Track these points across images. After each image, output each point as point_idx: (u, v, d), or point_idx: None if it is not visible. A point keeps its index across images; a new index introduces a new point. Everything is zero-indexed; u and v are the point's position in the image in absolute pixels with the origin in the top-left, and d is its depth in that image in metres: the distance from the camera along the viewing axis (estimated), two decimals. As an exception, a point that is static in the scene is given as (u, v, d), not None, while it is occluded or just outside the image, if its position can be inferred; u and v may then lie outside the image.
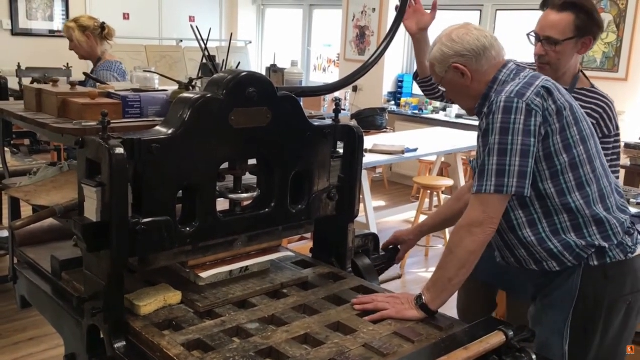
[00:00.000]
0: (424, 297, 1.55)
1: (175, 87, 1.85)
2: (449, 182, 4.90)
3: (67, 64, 5.49)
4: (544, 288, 1.69)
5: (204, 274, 1.60)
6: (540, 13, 2.08)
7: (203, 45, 1.96)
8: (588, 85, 2.10)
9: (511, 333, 1.38)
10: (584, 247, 1.60)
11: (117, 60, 3.68)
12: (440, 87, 1.96)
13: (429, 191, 4.90)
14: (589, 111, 2.01)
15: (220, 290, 1.62)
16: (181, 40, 7.93)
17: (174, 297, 1.55)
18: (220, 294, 1.59)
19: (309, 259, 1.91)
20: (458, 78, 1.66)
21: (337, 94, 6.17)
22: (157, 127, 1.46)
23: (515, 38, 6.23)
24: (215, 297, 1.57)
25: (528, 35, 2.05)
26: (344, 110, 6.19)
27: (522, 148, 1.51)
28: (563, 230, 1.61)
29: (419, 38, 2.25)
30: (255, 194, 1.66)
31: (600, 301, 1.63)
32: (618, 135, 2.07)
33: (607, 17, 5.02)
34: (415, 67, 2.32)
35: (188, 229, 1.49)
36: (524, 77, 1.61)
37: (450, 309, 1.78)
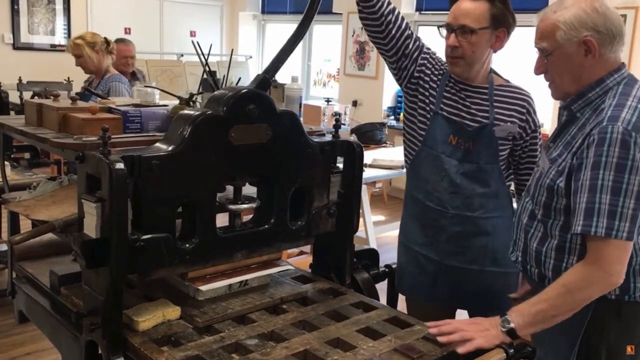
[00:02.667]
0: (512, 323, 1.43)
1: (176, 102, 1.86)
2: (448, 197, 4.88)
3: (68, 77, 5.51)
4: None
5: (204, 288, 1.60)
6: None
7: (204, 61, 1.97)
8: (504, 82, 2.05)
9: (511, 351, 1.38)
10: (616, 290, 1.50)
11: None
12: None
13: (428, 206, 4.88)
14: (517, 107, 1.99)
15: (219, 305, 1.61)
16: (182, 55, 7.97)
17: (173, 312, 1.54)
18: (219, 309, 1.59)
19: (309, 274, 1.90)
20: (579, 55, 1.46)
21: (336, 109, 6.19)
22: (157, 144, 1.46)
23: (510, 54, 6.26)
24: (215, 312, 1.57)
25: (439, 27, 1.96)
26: (344, 124, 6.20)
27: (638, 189, 1.38)
28: None
29: None
30: (255, 204, 1.66)
31: (606, 336, 1.55)
32: (540, 128, 2.06)
33: (605, 34, 5.06)
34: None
35: (187, 245, 1.49)
36: (636, 97, 1.46)
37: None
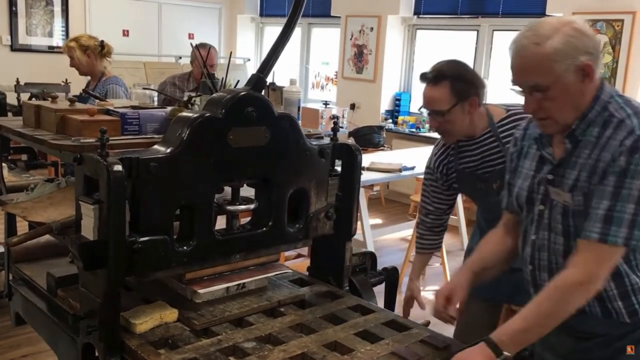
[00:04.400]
0: (504, 353, 1.35)
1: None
2: (446, 200, 4.88)
3: (66, 79, 5.51)
4: (618, 344, 1.47)
5: (202, 291, 1.59)
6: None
7: (202, 63, 1.97)
8: (503, 113, 2.11)
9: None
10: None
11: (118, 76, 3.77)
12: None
13: (426, 209, 4.88)
14: None
15: (217, 307, 1.61)
16: (180, 57, 7.97)
17: (170, 314, 1.54)
18: (217, 312, 1.58)
19: (306, 277, 1.90)
20: (578, 82, 1.37)
21: (334, 112, 6.20)
22: (156, 146, 1.46)
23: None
24: (212, 315, 1.56)
25: (419, 109, 2.13)
26: (342, 127, 6.21)
27: None
28: None
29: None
30: (253, 205, 1.66)
31: None
32: None
33: (602, 39, 5.07)
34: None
35: (185, 247, 1.49)
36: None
37: (444, 328, 1.77)
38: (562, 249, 1.48)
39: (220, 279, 1.65)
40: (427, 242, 2.34)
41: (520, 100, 1.50)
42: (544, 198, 1.50)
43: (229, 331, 1.52)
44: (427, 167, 2.29)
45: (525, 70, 1.39)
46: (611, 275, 1.40)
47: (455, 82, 2.00)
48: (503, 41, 6.22)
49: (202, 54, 4.30)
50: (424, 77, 2.05)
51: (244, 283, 1.69)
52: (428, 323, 1.68)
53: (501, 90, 6.32)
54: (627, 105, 1.40)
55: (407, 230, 5.20)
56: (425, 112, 2.11)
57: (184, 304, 1.60)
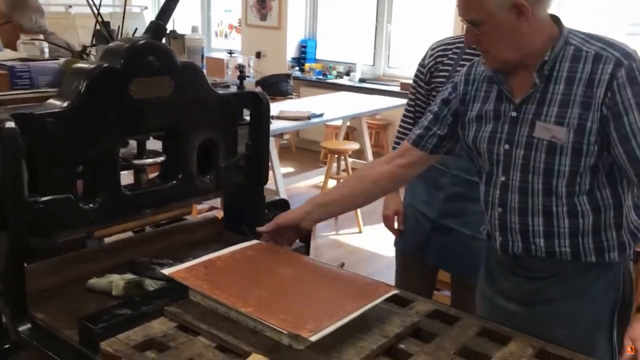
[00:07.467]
0: None
1: (68, 56, 1.76)
2: (355, 145, 5.00)
3: (-58, 32, 5.05)
4: (577, 282, 1.49)
5: (314, 337, 1.14)
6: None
7: (95, 11, 1.87)
8: None
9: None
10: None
11: None
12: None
13: (336, 155, 4.98)
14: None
15: (331, 355, 1.19)
16: (70, 6, 7.46)
17: None
18: None
19: (402, 293, 1.46)
20: (511, 19, 1.37)
21: (240, 61, 6.08)
22: (51, 100, 1.38)
23: (414, 2, 6.33)
24: None
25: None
26: (248, 77, 6.11)
27: None
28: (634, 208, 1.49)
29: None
30: (161, 159, 1.61)
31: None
32: None
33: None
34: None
35: (91, 205, 1.43)
36: (604, 37, 1.42)
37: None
38: (541, 189, 1.45)
39: (325, 318, 1.21)
40: None
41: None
42: (509, 137, 1.47)
43: None
44: (421, 67, 2.15)
45: (464, 3, 1.42)
46: (592, 210, 1.44)
47: None
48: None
49: None
50: None
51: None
52: (342, 265, 1.73)
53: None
54: (593, 38, 1.41)
55: (318, 177, 5.28)
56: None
57: (284, 353, 1.18)
